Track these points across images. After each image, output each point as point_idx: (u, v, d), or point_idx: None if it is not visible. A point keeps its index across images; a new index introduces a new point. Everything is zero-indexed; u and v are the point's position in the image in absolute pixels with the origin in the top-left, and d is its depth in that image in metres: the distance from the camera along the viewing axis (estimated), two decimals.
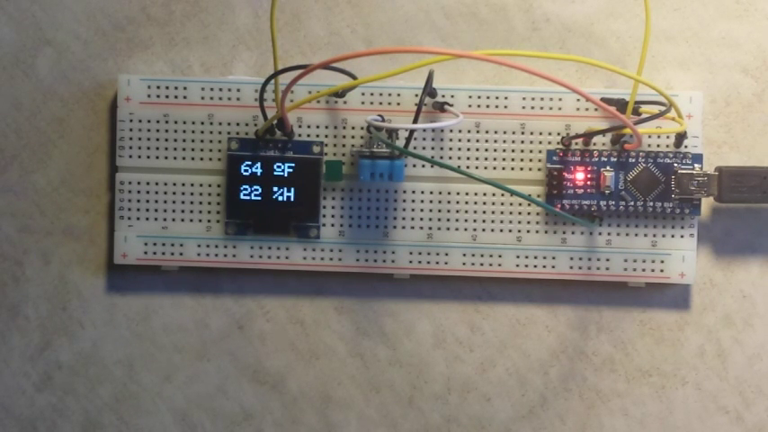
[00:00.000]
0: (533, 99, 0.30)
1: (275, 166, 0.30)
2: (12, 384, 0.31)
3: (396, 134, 0.29)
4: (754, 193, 0.29)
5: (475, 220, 0.30)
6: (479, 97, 0.30)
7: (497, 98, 0.30)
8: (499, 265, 0.30)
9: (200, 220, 0.30)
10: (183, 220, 0.30)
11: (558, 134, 0.30)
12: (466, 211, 0.30)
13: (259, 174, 0.30)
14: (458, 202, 0.30)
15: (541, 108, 0.30)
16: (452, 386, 0.31)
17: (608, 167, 0.30)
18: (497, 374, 0.31)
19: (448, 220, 0.30)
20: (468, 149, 0.30)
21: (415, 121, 0.29)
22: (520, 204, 0.30)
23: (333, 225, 0.30)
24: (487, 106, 0.30)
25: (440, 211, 0.30)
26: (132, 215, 0.30)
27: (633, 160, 0.29)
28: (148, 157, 0.30)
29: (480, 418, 0.31)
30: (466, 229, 0.30)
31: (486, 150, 0.30)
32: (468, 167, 0.30)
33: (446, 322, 0.31)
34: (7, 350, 0.31)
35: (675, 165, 0.29)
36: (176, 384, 0.31)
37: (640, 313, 0.31)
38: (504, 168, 0.30)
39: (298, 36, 0.31)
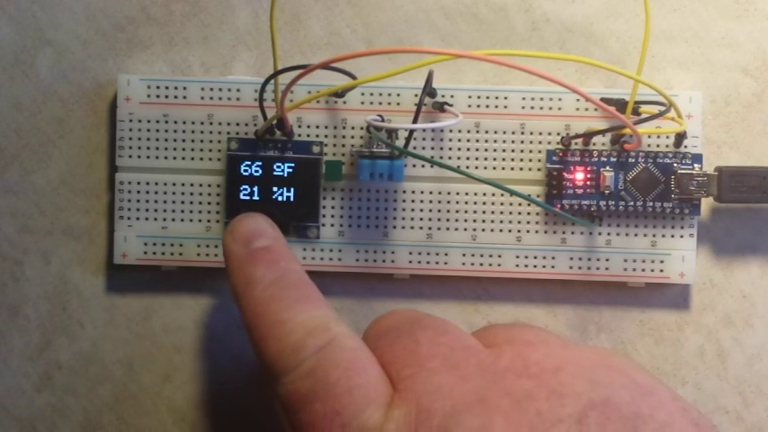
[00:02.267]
0: (533, 99, 0.30)
1: (275, 166, 0.30)
2: (12, 384, 0.31)
3: (395, 134, 0.29)
4: (754, 193, 0.29)
5: (475, 220, 0.30)
6: (479, 97, 0.30)
7: (497, 98, 0.30)
8: (499, 265, 0.30)
9: (199, 220, 0.30)
10: (182, 220, 0.30)
11: (558, 134, 0.30)
12: (466, 211, 0.30)
13: (259, 174, 0.30)
14: (458, 202, 0.30)
15: (541, 108, 0.30)
16: None
17: (608, 167, 0.30)
18: None
19: (448, 220, 0.30)
20: (468, 149, 0.30)
21: (414, 121, 0.29)
22: (520, 204, 0.30)
23: (332, 225, 0.30)
24: (487, 106, 0.30)
25: (440, 211, 0.30)
26: (132, 215, 0.30)
27: (633, 160, 0.29)
28: (148, 157, 0.30)
29: None
30: (466, 229, 0.30)
31: (486, 150, 0.30)
32: (468, 167, 0.30)
33: None
34: (7, 350, 0.31)
35: (675, 165, 0.29)
36: (176, 384, 0.31)
37: (640, 313, 0.31)
38: (503, 168, 0.30)
39: (298, 36, 0.31)
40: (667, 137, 0.30)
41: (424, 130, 0.30)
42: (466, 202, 0.30)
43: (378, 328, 0.26)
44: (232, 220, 0.28)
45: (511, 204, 0.30)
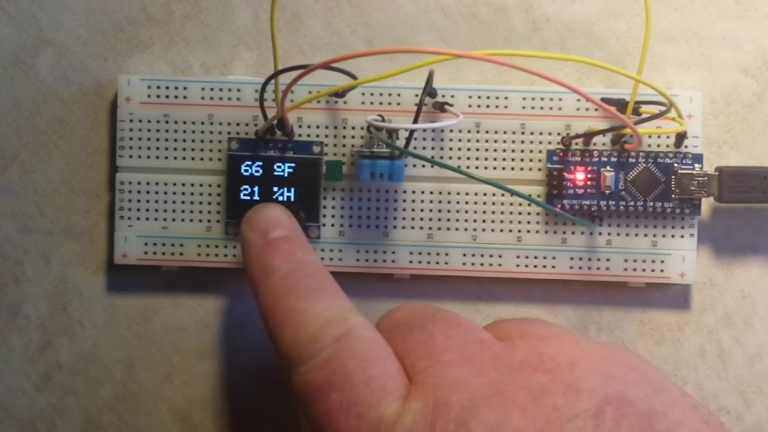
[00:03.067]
0: (533, 99, 0.30)
1: (275, 167, 0.30)
2: (12, 384, 0.31)
3: (396, 134, 0.29)
4: (754, 193, 0.29)
5: (475, 220, 0.30)
6: (479, 97, 0.30)
7: (497, 98, 0.30)
8: (499, 265, 0.30)
9: (200, 220, 0.30)
10: (183, 220, 0.30)
11: (558, 134, 0.30)
12: (466, 211, 0.30)
13: (259, 174, 0.30)
14: (458, 202, 0.30)
15: (541, 108, 0.30)
16: None
17: (608, 167, 0.30)
18: None
19: (448, 220, 0.30)
20: (468, 149, 0.30)
21: (415, 121, 0.29)
22: (520, 204, 0.30)
23: (333, 225, 0.30)
24: (487, 106, 0.30)
25: (440, 211, 0.30)
26: (132, 215, 0.30)
27: (633, 160, 0.29)
28: (148, 157, 0.30)
29: None
30: (466, 229, 0.30)
31: (486, 150, 0.30)
32: (468, 167, 0.30)
33: None
34: (7, 350, 0.31)
35: (675, 165, 0.29)
36: (176, 384, 0.31)
37: (640, 313, 0.31)
38: (504, 168, 0.30)
39: (298, 36, 0.31)
40: (668, 137, 0.30)
41: (424, 130, 0.30)
42: (466, 202, 0.30)
43: (390, 320, 0.26)
44: (250, 209, 0.28)
45: (511, 204, 0.30)
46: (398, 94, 0.30)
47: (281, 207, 0.28)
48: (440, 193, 0.30)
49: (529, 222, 0.30)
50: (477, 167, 0.30)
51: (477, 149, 0.30)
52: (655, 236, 0.30)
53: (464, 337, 0.24)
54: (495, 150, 0.30)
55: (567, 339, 0.25)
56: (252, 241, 0.27)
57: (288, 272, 0.26)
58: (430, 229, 0.30)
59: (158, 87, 0.30)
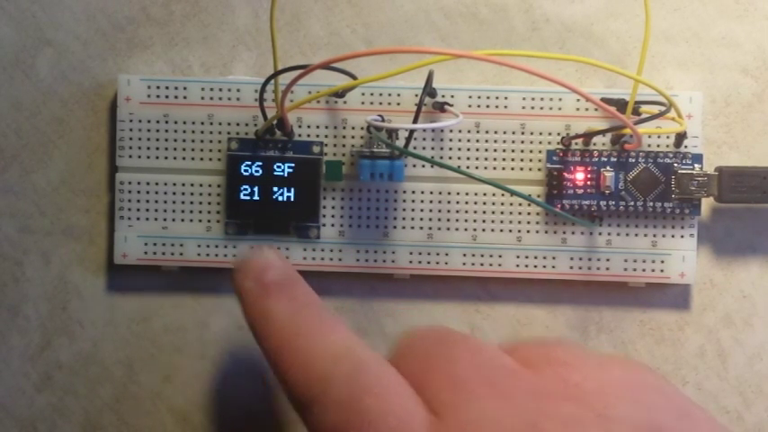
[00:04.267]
0: (533, 99, 0.30)
1: (275, 167, 0.30)
2: (12, 384, 0.31)
3: (396, 134, 0.29)
4: (754, 193, 0.29)
5: (475, 220, 0.30)
6: (479, 97, 0.30)
7: (497, 98, 0.30)
8: (499, 265, 0.30)
9: (200, 221, 0.30)
10: (183, 220, 0.30)
11: (558, 134, 0.30)
12: (466, 211, 0.30)
13: (259, 174, 0.30)
14: (458, 202, 0.30)
15: (541, 108, 0.30)
16: None
17: (608, 167, 0.30)
18: None
19: (448, 220, 0.30)
20: (468, 149, 0.30)
21: (414, 121, 0.29)
22: (520, 204, 0.30)
23: (333, 225, 0.30)
24: (487, 106, 0.30)
25: (440, 211, 0.30)
26: (132, 215, 0.30)
27: (633, 160, 0.29)
28: (148, 157, 0.30)
29: None
30: (466, 229, 0.30)
31: (486, 150, 0.30)
32: (468, 167, 0.30)
33: (446, 322, 0.31)
34: (7, 350, 0.31)
35: (675, 165, 0.29)
36: (176, 384, 0.31)
37: (640, 313, 0.31)
38: (504, 168, 0.30)
39: (298, 36, 0.31)
40: (667, 137, 0.30)
41: (424, 130, 0.30)
42: (466, 202, 0.30)
43: (405, 348, 0.25)
44: (238, 259, 0.27)
45: (511, 204, 0.30)
46: (398, 94, 0.30)
47: (271, 248, 0.28)
48: (440, 193, 0.30)
49: (529, 222, 0.30)
50: (477, 167, 0.30)
51: (477, 149, 0.30)
52: (655, 236, 0.30)
53: (488, 365, 0.23)
54: (495, 150, 0.30)
55: (590, 363, 0.24)
56: (247, 289, 0.26)
57: (288, 314, 0.25)
58: (430, 229, 0.30)
59: (158, 87, 0.30)
